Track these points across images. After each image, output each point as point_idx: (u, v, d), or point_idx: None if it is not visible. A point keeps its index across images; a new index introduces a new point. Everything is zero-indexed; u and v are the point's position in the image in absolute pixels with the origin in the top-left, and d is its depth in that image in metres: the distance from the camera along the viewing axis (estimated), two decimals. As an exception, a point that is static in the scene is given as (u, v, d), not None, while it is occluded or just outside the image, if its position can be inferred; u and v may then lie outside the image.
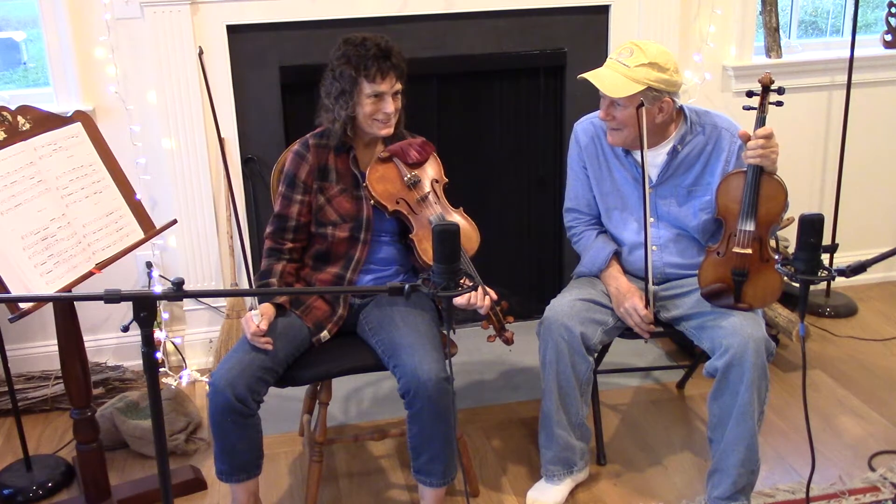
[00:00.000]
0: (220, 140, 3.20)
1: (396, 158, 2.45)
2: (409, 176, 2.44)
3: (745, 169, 2.34)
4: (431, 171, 2.50)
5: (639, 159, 2.48)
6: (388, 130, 2.40)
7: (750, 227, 2.34)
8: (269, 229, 2.49)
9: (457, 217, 2.47)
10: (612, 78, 2.37)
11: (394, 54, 2.34)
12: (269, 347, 2.27)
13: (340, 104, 2.36)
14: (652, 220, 2.53)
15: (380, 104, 2.35)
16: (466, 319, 3.74)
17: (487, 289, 2.29)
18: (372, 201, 2.42)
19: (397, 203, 2.42)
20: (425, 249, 2.39)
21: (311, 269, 2.50)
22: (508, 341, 2.43)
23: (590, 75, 2.40)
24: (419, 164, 2.47)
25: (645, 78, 2.33)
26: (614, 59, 2.40)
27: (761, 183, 2.32)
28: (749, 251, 2.35)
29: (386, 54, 2.32)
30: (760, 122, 2.34)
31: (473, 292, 2.26)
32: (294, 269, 2.48)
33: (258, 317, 2.29)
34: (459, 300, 2.24)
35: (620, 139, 2.46)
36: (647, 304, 2.48)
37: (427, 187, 2.46)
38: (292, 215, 2.45)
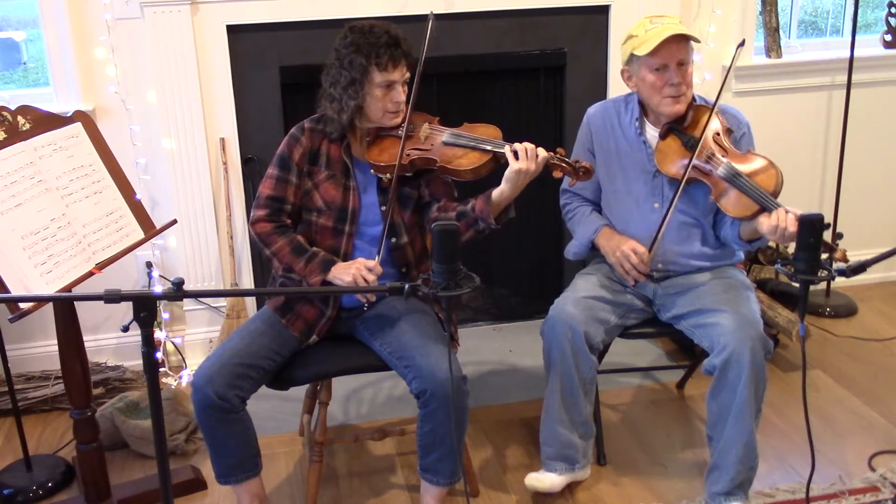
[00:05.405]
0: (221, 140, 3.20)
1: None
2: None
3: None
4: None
5: (651, 141, 2.52)
6: (397, 120, 2.36)
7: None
8: (261, 213, 2.39)
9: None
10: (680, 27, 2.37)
11: (402, 42, 2.30)
12: (373, 276, 2.27)
13: (349, 94, 2.29)
14: (657, 205, 2.53)
15: (390, 93, 2.31)
16: (466, 319, 3.75)
17: (566, 158, 2.28)
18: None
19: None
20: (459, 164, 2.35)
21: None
22: (589, 171, 2.29)
23: (675, 29, 2.36)
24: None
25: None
26: (659, 21, 2.39)
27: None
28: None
29: (396, 42, 2.28)
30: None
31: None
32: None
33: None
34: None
35: (686, 102, 2.46)
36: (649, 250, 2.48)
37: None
38: (289, 198, 2.39)
